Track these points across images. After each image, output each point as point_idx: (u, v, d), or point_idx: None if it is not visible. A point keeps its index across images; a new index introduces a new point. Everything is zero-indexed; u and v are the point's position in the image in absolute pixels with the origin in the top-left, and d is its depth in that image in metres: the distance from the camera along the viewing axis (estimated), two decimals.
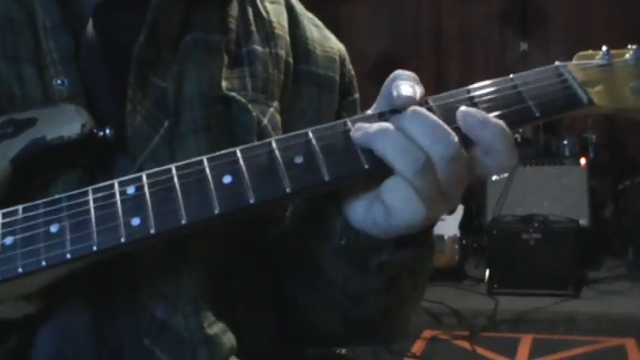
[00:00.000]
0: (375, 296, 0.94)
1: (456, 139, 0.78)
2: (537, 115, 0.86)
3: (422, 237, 0.88)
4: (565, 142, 6.38)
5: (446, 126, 0.79)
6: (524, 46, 7.59)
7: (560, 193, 6.12)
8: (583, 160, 6.17)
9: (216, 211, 0.77)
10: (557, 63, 0.90)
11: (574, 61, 0.92)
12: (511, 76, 0.88)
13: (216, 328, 0.91)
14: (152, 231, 0.77)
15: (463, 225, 6.14)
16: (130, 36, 0.92)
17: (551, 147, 6.50)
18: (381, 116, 0.83)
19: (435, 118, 0.79)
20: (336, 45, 1.13)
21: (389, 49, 7.92)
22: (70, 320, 0.88)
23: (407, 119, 0.79)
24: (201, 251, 0.90)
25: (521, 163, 6.24)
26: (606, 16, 7.27)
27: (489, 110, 0.84)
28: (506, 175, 6.17)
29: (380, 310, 0.96)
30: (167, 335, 0.89)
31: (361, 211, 0.84)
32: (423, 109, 0.80)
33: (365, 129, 0.79)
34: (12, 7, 0.91)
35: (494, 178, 6.34)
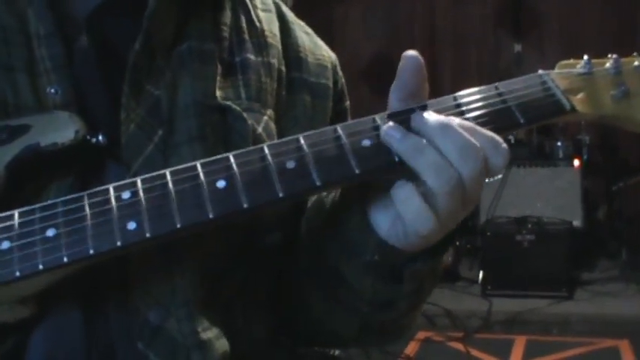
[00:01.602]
0: (405, 300, 0.96)
1: (482, 155, 0.81)
2: (522, 121, 0.88)
3: (446, 243, 0.91)
4: (558, 143, 6.37)
5: (475, 142, 0.81)
6: (518, 47, 7.61)
7: (553, 194, 6.13)
8: (576, 162, 6.17)
9: (211, 215, 0.79)
10: (540, 71, 0.93)
11: (556, 70, 0.94)
12: (496, 84, 0.90)
13: (210, 333, 0.92)
14: (148, 235, 0.78)
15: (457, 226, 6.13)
16: (124, 43, 0.92)
17: (545, 148, 6.50)
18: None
19: (465, 135, 0.81)
20: (327, 52, 1.14)
21: (383, 49, 7.93)
22: (62, 323, 0.88)
23: (439, 135, 0.81)
24: (194, 255, 0.91)
25: (515, 165, 6.25)
26: (599, 17, 7.29)
27: (476, 118, 0.86)
28: (499, 176, 6.16)
29: (404, 313, 0.99)
30: (160, 339, 0.89)
31: (385, 227, 0.87)
32: (454, 125, 0.82)
33: (398, 138, 0.82)
34: (4, 14, 0.90)
35: (487, 179, 6.34)
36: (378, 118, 0.85)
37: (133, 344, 0.89)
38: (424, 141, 0.81)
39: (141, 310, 0.89)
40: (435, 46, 7.95)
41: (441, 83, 7.68)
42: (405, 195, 0.81)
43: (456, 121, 0.83)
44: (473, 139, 0.81)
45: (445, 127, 0.82)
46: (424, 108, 0.85)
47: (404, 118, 0.84)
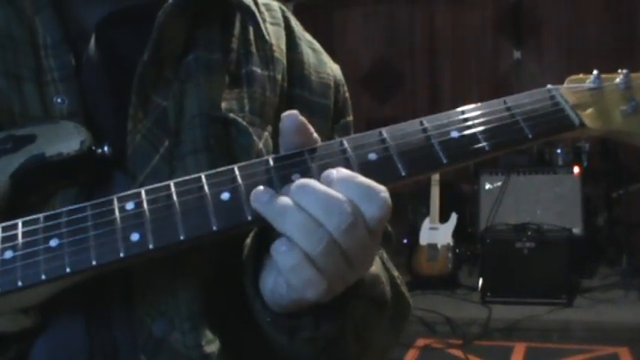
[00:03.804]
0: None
1: (350, 207, 0.76)
2: (530, 137, 0.87)
3: (355, 299, 0.87)
4: (558, 150, 6.40)
5: (338, 195, 0.77)
6: (517, 54, 7.62)
7: (553, 201, 6.15)
8: (576, 169, 6.20)
9: (214, 227, 0.78)
10: (549, 86, 0.92)
11: (565, 85, 0.93)
12: (504, 98, 0.89)
13: (213, 346, 0.91)
14: (151, 246, 0.77)
15: (457, 233, 6.16)
16: (133, 53, 0.92)
17: (545, 155, 6.52)
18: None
19: (324, 189, 0.77)
20: (331, 70, 1.12)
21: (383, 55, 7.94)
22: (65, 334, 0.88)
23: (298, 195, 0.77)
24: (199, 267, 0.90)
25: (515, 172, 6.27)
26: (599, 24, 7.31)
27: (483, 132, 0.86)
28: (499, 183, 6.20)
29: None
30: (164, 352, 0.89)
31: (270, 285, 0.84)
32: (311, 182, 0.78)
33: (265, 202, 0.78)
34: (12, 23, 0.90)
35: (487, 187, 6.36)
36: (384, 131, 0.84)
37: (136, 354, 0.89)
38: (291, 203, 0.78)
39: (144, 322, 0.89)
40: (434, 52, 7.97)
41: (440, 90, 7.70)
42: (292, 262, 0.77)
43: (332, 172, 0.79)
44: (335, 192, 0.77)
45: (303, 187, 0.78)
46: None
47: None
